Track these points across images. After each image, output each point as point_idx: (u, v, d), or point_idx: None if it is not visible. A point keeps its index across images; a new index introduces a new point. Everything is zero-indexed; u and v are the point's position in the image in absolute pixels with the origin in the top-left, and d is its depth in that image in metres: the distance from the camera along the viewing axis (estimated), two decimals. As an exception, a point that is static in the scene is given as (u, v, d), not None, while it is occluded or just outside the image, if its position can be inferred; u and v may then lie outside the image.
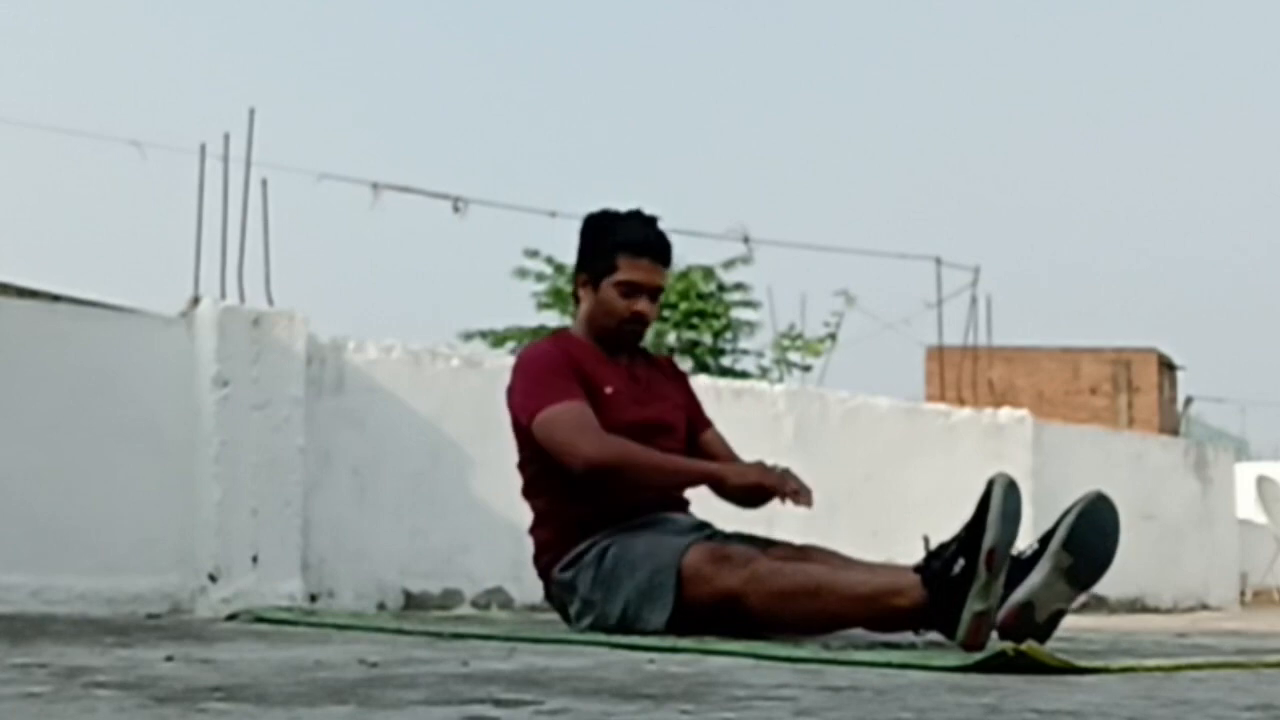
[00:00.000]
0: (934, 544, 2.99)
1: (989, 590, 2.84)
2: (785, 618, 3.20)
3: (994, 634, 2.95)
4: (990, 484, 2.88)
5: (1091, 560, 3.08)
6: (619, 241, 3.61)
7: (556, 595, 3.59)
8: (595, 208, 3.74)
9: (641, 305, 3.63)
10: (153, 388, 4.59)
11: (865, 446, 6.38)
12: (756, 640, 3.03)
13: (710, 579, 3.25)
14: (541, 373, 3.55)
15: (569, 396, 3.48)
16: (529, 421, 3.50)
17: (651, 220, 3.69)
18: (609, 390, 3.58)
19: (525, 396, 3.54)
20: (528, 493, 3.67)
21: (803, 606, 3.17)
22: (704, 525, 3.58)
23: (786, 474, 3.42)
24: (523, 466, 3.66)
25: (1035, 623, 3.04)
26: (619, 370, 3.67)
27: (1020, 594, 3.02)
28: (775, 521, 5.54)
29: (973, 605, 2.84)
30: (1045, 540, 3.09)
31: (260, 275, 7.96)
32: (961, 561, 2.88)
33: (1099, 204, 54.17)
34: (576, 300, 3.77)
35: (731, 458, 3.73)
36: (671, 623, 3.28)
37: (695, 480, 3.54)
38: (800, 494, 3.37)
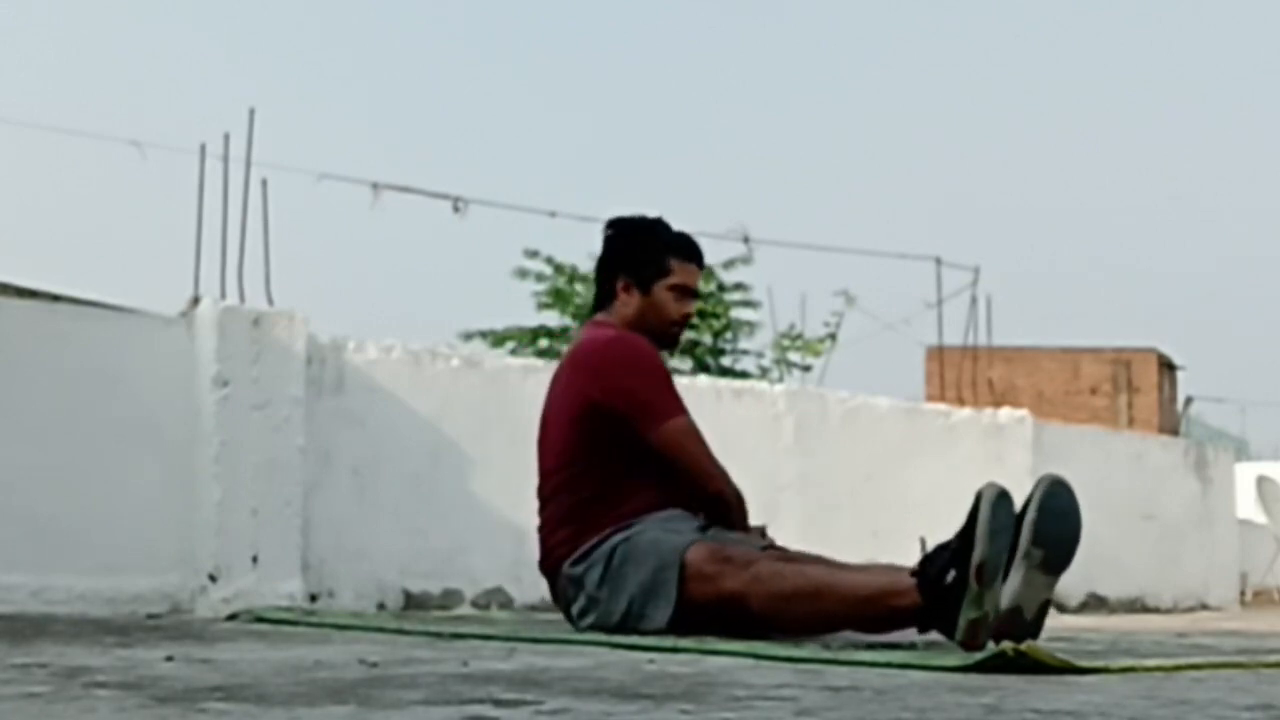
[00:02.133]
0: (931, 545, 3.01)
1: (982, 599, 2.87)
2: (786, 619, 3.21)
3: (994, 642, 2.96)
4: (979, 496, 2.90)
5: (1060, 546, 3.08)
6: (670, 246, 3.69)
7: (563, 590, 3.59)
8: (616, 211, 3.82)
9: (690, 308, 3.73)
10: (153, 388, 4.59)
11: (865, 446, 6.38)
12: (756, 640, 3.04)
13: (712, 578, 3.27)
14: (665, 377, 3.63)
15: (685, 409, 3.59)
16: (660, 425, 3.53)
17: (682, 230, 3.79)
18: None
19: (651, 396, 3.56)
20: (560, 488, 3.62)
21: (803, 608, 3.18)
22: (710, 527, 3.59)
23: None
24: (565, 463, 3.61)
25: (1026, 621, 3.06)
26: None
27: (1005, 601, 3.03)
28: (776, 520, 5.54)
29: (967, 613, 2.87)
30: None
31: (260, 275, 7.96)
32: (953, 573, 2.91)
33: (1099, 204, 54.19)
34: (602, 303, 3.76)
35: None
36: (673, 620, 3.29)
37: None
38: None
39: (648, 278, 3.67)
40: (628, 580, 3.40)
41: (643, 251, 3.70)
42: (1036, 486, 3.09)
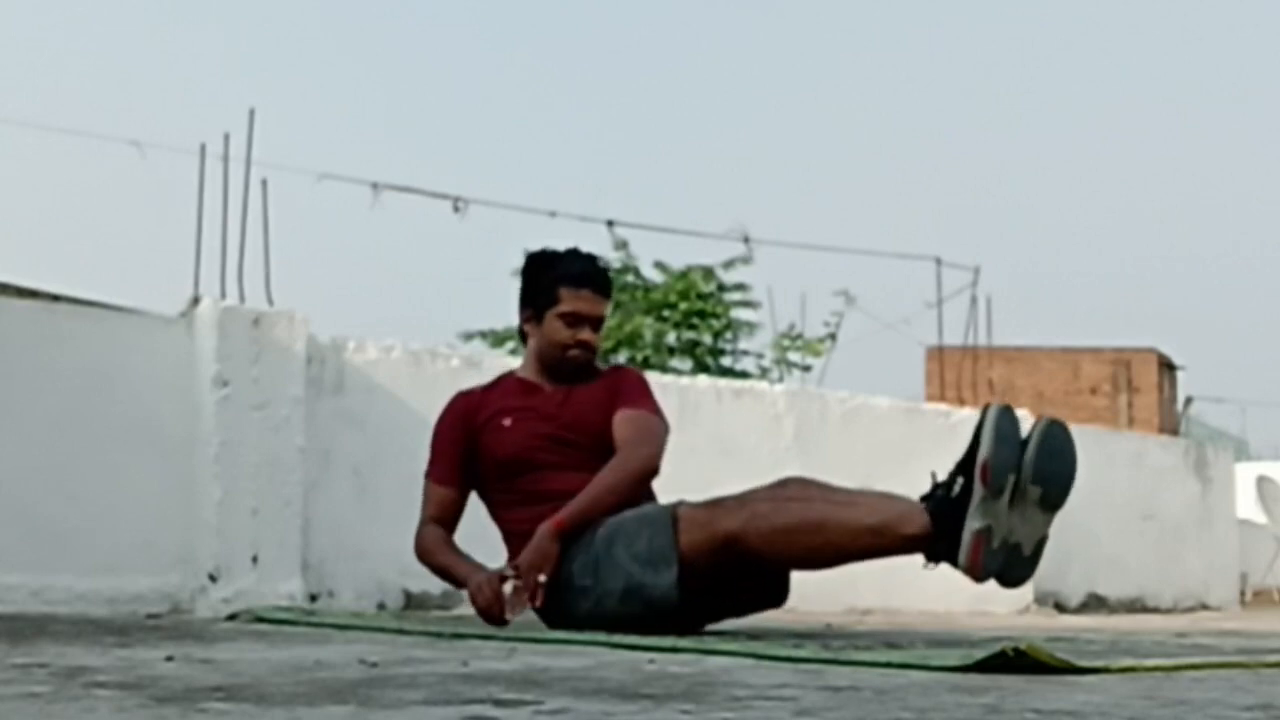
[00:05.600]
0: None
1: (986, 507, 2.98)
2: (789, 554, 3.28)
3: (992, 580, 3.07)
4: (985, 409, 3.09)
5: (1057, 483, 3.20)
6: (560, 274, 3.77)
7: (546, 596, 3.59)
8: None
9: (585, 334, 3.77)
10: (153, 388, 4.59)
11: (865, 446, 6.38)
12: (756, 640, 3.04)
13: (706, 524, 3.29)
14: (433, 440, 3.89)
15: (432, 475, 3.88)
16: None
17: (590, 256, 3.85)
18: (506, 423, 3.75)
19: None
20: (494, 517, 3.87)
21: (807, 541, 3.23)
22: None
23: (516, 581, 3.46)
24: (492, 493, 3.86)
25: (1024, 558, 3.18)
26: (545, 397, 3.78)
27: (998, 534, 3.13)
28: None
29: (971, 523, 2.98)
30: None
31: (260, 275, 7.97)
32: (960, 481, 3.01)
33: (1099, 204, 54.15)
34: (524, 339, 3.90)
35: (636, 439, 3.68)
36: (680, 580, 3.30)
37: (456, 583, 3.82)
38: (520, 598, 3.45)
39: (541, 307, 3.78)
40: (619, 558, 3.40)
41: (535, 283, 3.81)
42: (1034, 428, 3.21)
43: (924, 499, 3.18)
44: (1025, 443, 3.18)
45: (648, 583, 3.33)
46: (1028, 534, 3.16)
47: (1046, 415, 3.28)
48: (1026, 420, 3.28)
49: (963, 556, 3.02)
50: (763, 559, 3.27)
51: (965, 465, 3.10)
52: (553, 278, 3.78)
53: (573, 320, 3.75)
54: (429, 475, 3.87)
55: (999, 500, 3.03)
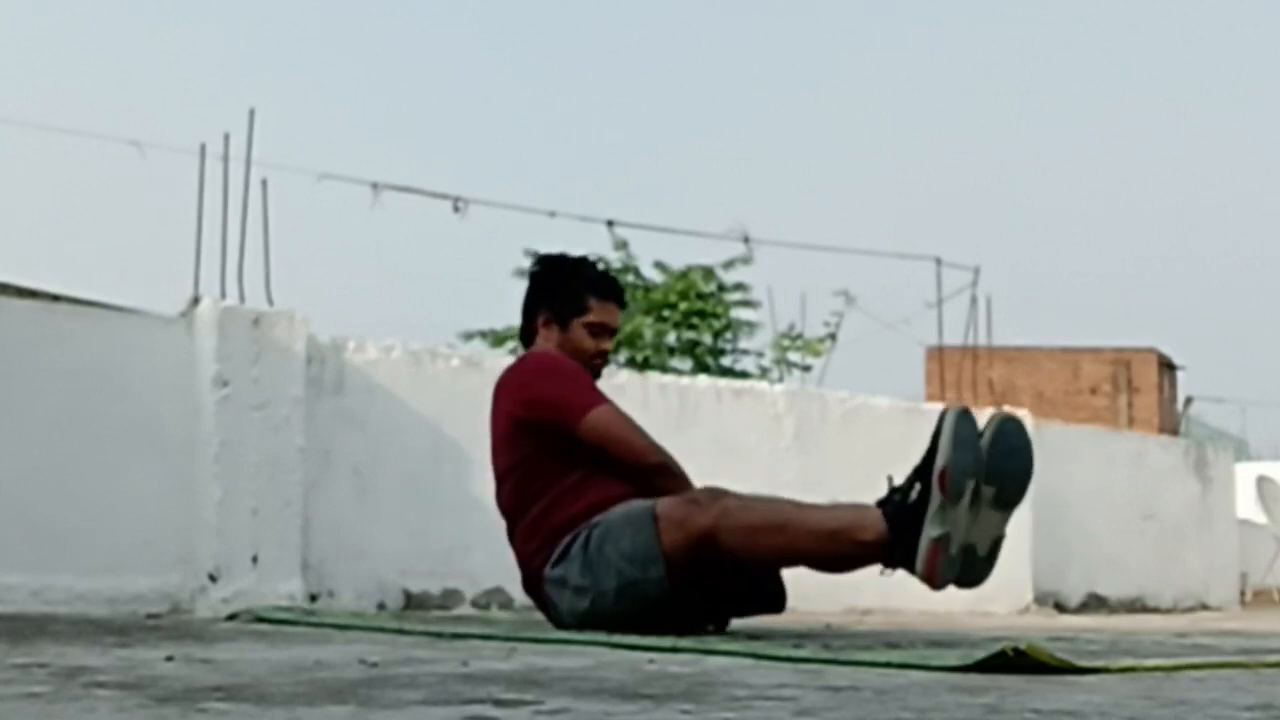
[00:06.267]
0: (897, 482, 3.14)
1: (945, 514, 2.96)
2: (755, 552, 3.31)
3: (954, 586, 3.09)
4: (943, 414, 3.08)
5: (1012, 482, 3.16)
6: (588, 283, 3.79)
7: (550, 599, 3.60)
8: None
9: (606, 345, 3.81)
10: (153, 388, 4.59)
11: (865, 446, 6.38)
12: (756, 640, 3.04)
13: (682, 522, 3.33)
14: (575, 374, 3.66)
15: (604, 401, 3.61)
16: (581, 416, 3.56)
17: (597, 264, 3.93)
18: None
19: (568, 395, 3.60)
20: (515, 503, 3.69)
21: (770, 542, 3.27)
22: None
23: None
24: (509, 475, 3.70)
25: (980, 558, 3.15)
26: None
27: (956, 541, 3.10)
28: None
29: (929, 531, 2.98)
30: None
31: (260, 275, 7.96)
32: (918, 487, 3.00)
33: (1100, 204, 54.12)
34: (528, 337, 3.86)
35: None
36: (669, 575, 3.34)
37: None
38: None
39: (566, 314, 3.77)
40: (610, 557, 3.42)
41: (563, 288, 3.79)
42: (987, 425, 3.18)
43: (880, 504, 3.16)
44: (980, 441, 3.14)
45: (639, 578, 3.37)
46: (983, 536, 3.13)
47: (999, 412, 3.25)
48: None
49: (920, 564, 3.02)
50: (735, 556, 3.31)
51: (923, 470, 3.08)
52: (580, 286, 3.78)
53: (598, 331, 3.77)
54: (603, 400, 3.60)
55: (957, 506, 3.02)
